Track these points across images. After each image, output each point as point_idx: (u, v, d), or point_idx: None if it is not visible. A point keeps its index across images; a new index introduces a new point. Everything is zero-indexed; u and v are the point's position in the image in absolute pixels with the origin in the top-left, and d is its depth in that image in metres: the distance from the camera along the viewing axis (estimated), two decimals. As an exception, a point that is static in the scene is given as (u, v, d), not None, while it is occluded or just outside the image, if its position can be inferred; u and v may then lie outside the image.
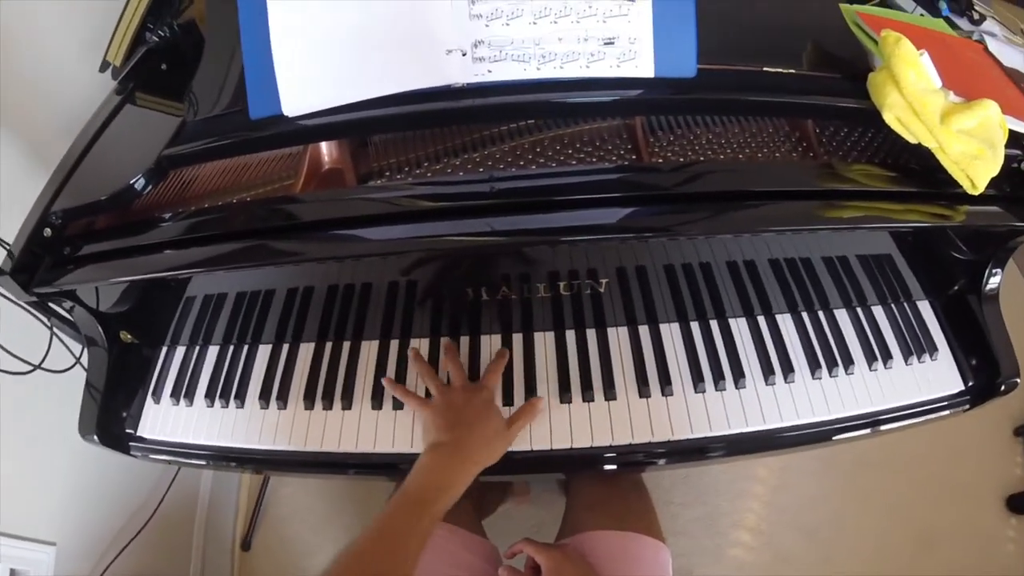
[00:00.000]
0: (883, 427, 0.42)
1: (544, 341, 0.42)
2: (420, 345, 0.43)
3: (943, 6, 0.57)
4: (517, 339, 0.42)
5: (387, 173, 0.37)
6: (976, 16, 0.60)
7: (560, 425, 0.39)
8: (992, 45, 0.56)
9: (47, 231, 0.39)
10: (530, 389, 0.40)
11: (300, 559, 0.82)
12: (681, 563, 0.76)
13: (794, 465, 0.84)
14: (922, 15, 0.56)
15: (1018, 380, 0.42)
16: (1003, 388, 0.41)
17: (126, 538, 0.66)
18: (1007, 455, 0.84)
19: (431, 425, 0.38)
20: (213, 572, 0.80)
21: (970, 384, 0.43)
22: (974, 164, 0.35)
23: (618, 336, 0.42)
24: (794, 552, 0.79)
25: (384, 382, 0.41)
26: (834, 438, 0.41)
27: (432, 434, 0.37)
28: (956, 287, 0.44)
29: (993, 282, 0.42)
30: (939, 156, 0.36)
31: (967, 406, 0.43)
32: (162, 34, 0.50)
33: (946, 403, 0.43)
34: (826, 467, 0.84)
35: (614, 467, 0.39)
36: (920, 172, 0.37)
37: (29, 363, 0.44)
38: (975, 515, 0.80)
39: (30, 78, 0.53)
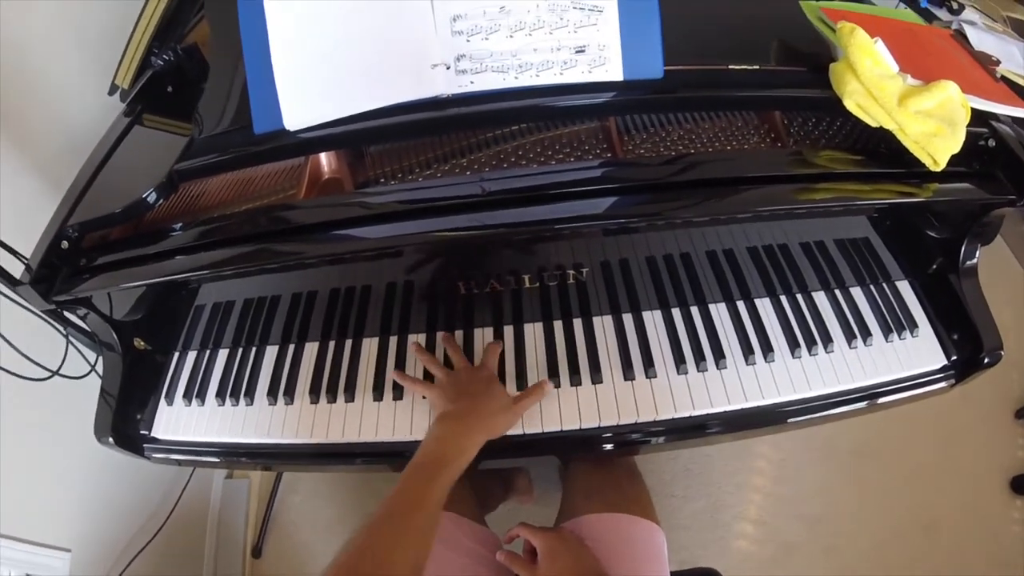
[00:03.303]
0: (871, 403, 0.44)
1: (534, 331, 0.46)
2: (417, 339, 0.47)
3: None
4: (508, 330, 0.47)
5: (382, 180, 0.42)
6: (955, 6, 0.64)
7: (550, 409, 0.42)
8: (971, 33, 0.60)
9: (64, 243, 0.43)
10: (521, 376, 0.44)
11: (310, 565, 0.85)
12: (684, 556, 0.78)
13: (794, 456, 0.86)
14: (901, 7, 0.60)
15: (1002, 353, 0.44)
16: (987, 361, 0.44)
17: (139, 545, 0.71)
18: (1009, 438, 0.86)
19: (439, 401, 0.41)
20: None
21: (953, 359, 0.45)
22: (933, 142, 0.39)
23: (603, 324, 0.46)
24: (797, 542, 0.81)
25: (392, 375, 0.45)
26: (824, 413, 0.44)
27: (440, 407, 0.41)
28: (935, 265, 0.47)
29: (970, 258, 0.45)
30: (900, 137, 0.40)
31: (953, 381, 0.46)
32: (167, 58, 0.55)
33: (931, 378, 0.45)
34: (826, 457, 0.86)
35: (608, 447, 0.43)
36: (887, 154, 0.40)
37: (48, 369, 0.48)
38: (979, 499, 0.82)
39: (43, 101, 0.58)
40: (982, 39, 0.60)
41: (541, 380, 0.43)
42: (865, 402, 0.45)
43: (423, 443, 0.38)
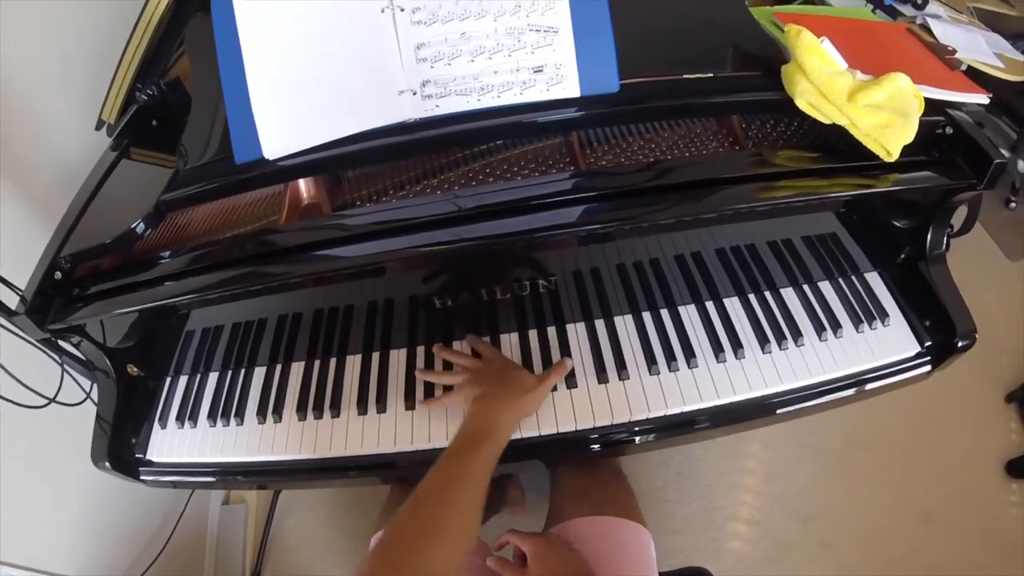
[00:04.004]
0: (856, 390, 0.45)
1: (509, 341, 0.48)
2: (398, 355, 0.49)
3: None
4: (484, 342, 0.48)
5: (359, 203, 0.45)
6: (919, 2, 0.67)
7: (527, 418, 0.44)
8: (936, 26, 0.62)
9: (58, 274, 0.46)
10: (499, 384, 0.46)
11: None
12: (680, 560, 0.78)
13: (784, 454, 0.87)
14: (866, 6, 0.63)
15: (976, 336, 0.45)
16: (961, 345, 0.45)
17: (138, 571, 0.72)
18: (1001, 422, 0.87)
19: (471, 387, 0.42)
20: None
21: (927, 345, 0.47)
22: (885, 133, 0.41)
23: (576, 331, 0.48)
24: (792, 539, 0.81)
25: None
26: (806, 404, 0.45)
27: (475, 391, 0.42)
28: (903, 255, 0.49)
29: (937, 246, 0.47)
30: (852, 131, 0.42)
31: (929, 367, 0.47)
32: (151, 92, 0.58)
33: (906, 364, 0.47)
34: (817, 453, 0.87)
35: (594, 448, 0.44)
36: (843, 150, 0.42)
37: (45, 396, 0.50)
38: (975, 485, 0.83)
39: (33, 137, 0.61)
40: (947, 31, 0.63)
41: (563, 358, 0.44)
42: (848, 391, 0.46)
43: (461, 425, 0.39)
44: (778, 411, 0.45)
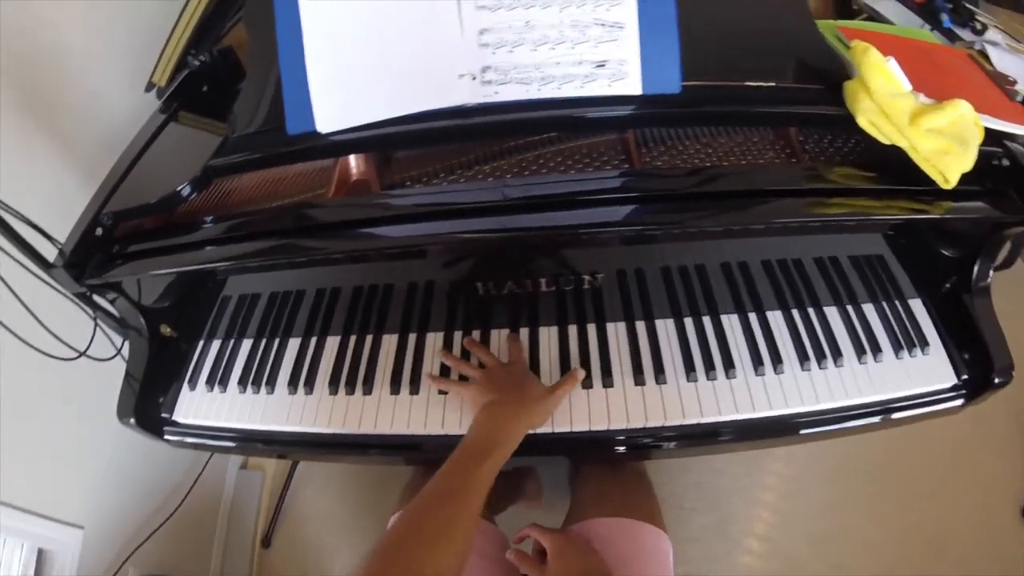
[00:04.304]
0: (882, 417, 0.45)
1: (548, 335, 0.48)
2: (435, 338, 0.49)
3: (944, 18, 0.62)
4: (523, 333, 0.48)
5: (408, 183, 0.44)
6: (978, 27, 0.65)
7: (561, 410, 0.44)
8: (993, 53, 0.61)
9: (99, 230, 0.46)
10: (534, 377, 0.46)
11: (318, 558, 0.87)
12: (691, 569, 0.79)
13: (804, 473, 0.86)
14: (924, 27, 0.61)
15: (1013, 373, 0.44)
16: (997, 381, 0.44)
17: (151, 527, 0.73)
18: (1021, 464, 0.86)
19: (478, 396, 0.42)
20: (233, 566, 0.86)
21: (964, 378, 0.46)
22: (944, 160, 0.40)
23: (616, 330, 0.47)
24: (803, 560, 0.81)
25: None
26: (833, 427, 0.44)
27: (486, 396, 0.41)
28: (947, 284, 0.48)
29: (983, 278, 0.46)
30: (911, 154, 0.41)
31: (963, 400, 0.46)
32: (203, 59, 0.58)
33: (940, 396, 0.46)
34: (836, 476, 0.86)
35: (619, 450, 0.44)
36: (899, 172, 0.41)
37: (75, 350, 0.51)
38: (989, 525, 0.81)
39: (80, 96, 0.62)
40: (1004, 59, 0.61)
41: (574, 368, 0.44)
42: (878, 417, 0.45)
43: (469, 431, 0.39)
44: (807, 431, 0.44)
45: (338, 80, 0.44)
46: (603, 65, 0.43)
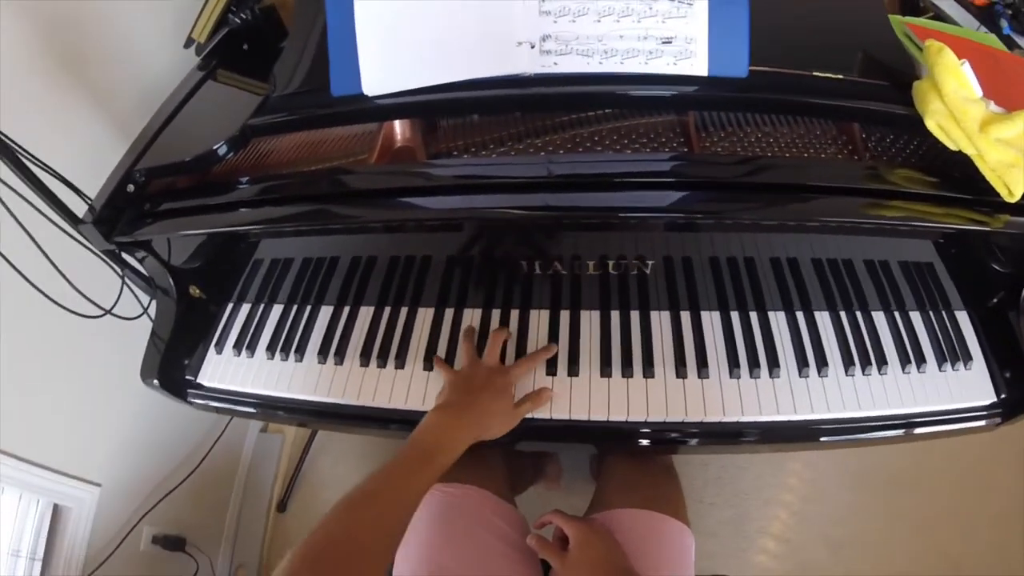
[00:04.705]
0: (914, 431, 0.44)
1: (590, 319, 0.46)
2: (472, 315, 0.47)
3: (1004, 24, 0.59)
4: (564, 315, 0.46)
5: (454, 153, 0.42)
6: None
7: (599, 398, 0.42)
8: None
9: (131, 187, 0.44)
10: (573, 362, 0.44)
11: None
12: (706, 564, 0.77)
13: (826, 477, 0.85)
14: (982, 30, 0.59)
15: None
16: None
17: (168, 487, 0.72)
18: None
19: (446, 386, 0.41)
20: (247, 528, 0.86)
21: (1003, 396, 0.44)
22: (1011, 172, 0.38)
23: (660, 319, 0.45)
24: (818, 564, 0.79)
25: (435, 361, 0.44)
26: (864, 436, 0.43)
27: (444, 395, 0.41)
28: (996, 300, 0.46)
29: None
30: (978, 163, 0.39)
31: (999, 419, 0.44)
32: (244, 17, 0.56)
33: (977, 414, 0.44)
34: (859, 483, 0.84)
35: (647, 443, 0.42)
36: (961, 179, 0.39)
37: (101, 307, 0.49)
38: (1007, 548, 0.79)
39: (117, 51, 0.59)
40: (1061, 73, 0.58)
41: (542, 388, 0.42)
42: (912, 430, 0.44)
43: (417, 428, 0.38)
44: (827, 438, 0.42)
45: (388, 41, 0.42)
46: (669, 42, 0.40)
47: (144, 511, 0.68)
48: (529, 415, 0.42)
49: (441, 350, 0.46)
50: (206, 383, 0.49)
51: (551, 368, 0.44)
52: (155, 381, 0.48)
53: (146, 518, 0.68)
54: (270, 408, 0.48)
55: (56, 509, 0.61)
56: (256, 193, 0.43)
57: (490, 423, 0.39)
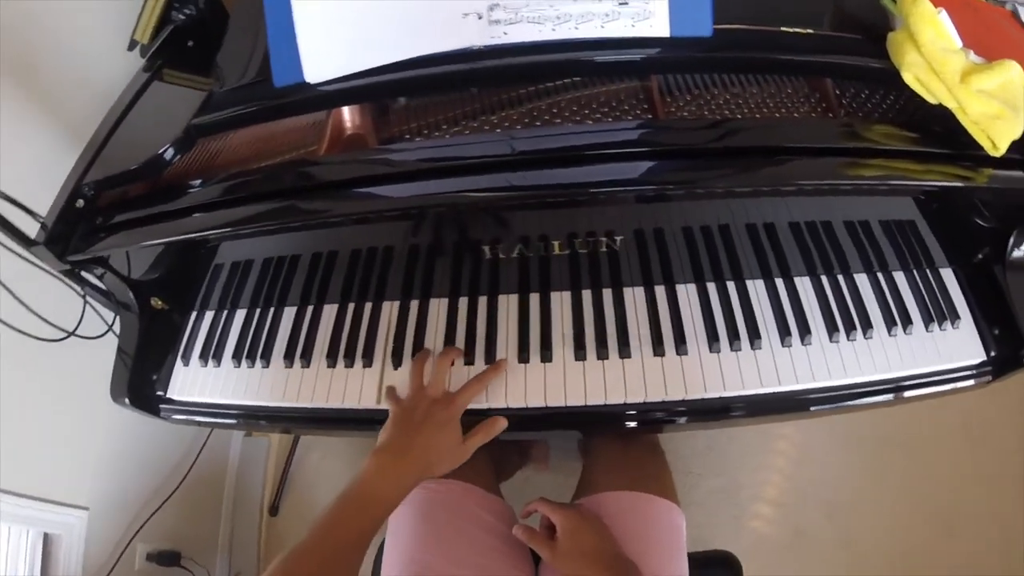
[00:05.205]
0: (904, 394, 0.42)
1: (561, 301, 0.44)
2: (439, 305, 0.45)
3: None
4: (534, 299, 0.44)
5: (407, 137, 0.39)
6: None
7: (575, 382, 0.40)
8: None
9: (80, 202, 0.42)
10: (546, 347, 0.42)
11: None
12: (699, 534, 0.76)
13: (817, 441, 0.83)
14: None
15: None
16: None
17: (157, 503, 0.70)
18: None
19: (388, 423, 0.38)
20: (242, 535, 0.85)
21: (992, 355, 0.42)
22: (995, 125, 0.36)
23: (634, 296, 0.43)
24: (813, 528, 0.79)
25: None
26: (854, 402, 0.41)
27: (385, 433, 0.38)
28: (980, 255, 0.44)
29: (1018, 250, 0.42)
30: (959, 116, 0.36)
31: (989, 378, 0.43)
32: (188, 12, 0.53)
33: (968, 373, 0.43)
34: (849, 444, 0.83)
35: (632, 425, 0.40)
36: (942, 134, 0.37)
37: (64, 330, 0.47)
38: (998, 504, 0.79)
39: (59, 57, 0.56)
40: (1036, 21, 0.55)
41: (492, 418, 0.38)
42: (901, 393, 0.42)
43: (353, 479, 0.36)
44: (817, 407, 0.41)
45: (327, 24, 0.39)
46: (626, 3, 0.37)
47: (135, 529, 0.67)
48: (503, 404, 0.40)
49: (408, 344, 0.44)
50: (176, 396, 0.47)
51: (523, 354, 0.42)
52: (125, 399, 0.46)
53: (138, 536, 0.67)
54: (248, 418, 0.46)
55: (46, 538, 0.60)
56: (210, 196, 0.40)
57: (434, 460, 0.37)
